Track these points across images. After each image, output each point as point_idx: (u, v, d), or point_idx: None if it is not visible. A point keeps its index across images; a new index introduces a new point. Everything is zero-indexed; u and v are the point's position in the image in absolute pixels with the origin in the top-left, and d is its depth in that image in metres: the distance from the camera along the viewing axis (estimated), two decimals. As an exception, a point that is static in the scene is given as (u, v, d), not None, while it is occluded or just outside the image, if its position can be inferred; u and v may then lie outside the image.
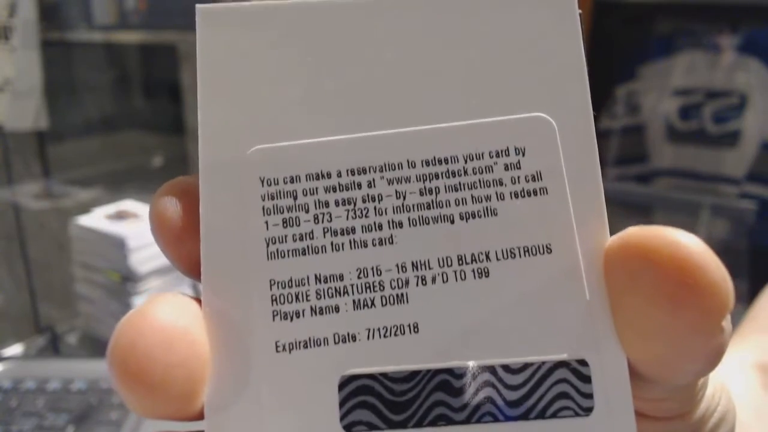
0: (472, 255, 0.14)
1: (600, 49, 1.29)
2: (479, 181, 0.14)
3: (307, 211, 0.14)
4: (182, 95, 1.33)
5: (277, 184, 0.14)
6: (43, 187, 1.24)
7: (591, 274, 0.14)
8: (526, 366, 0.14)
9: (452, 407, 0.13)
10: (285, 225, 0.14)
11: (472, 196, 0.14)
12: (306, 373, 0.14)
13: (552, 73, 0.15)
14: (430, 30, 0.15)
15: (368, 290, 0.14)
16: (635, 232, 0.13)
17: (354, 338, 0.14)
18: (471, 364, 0.14)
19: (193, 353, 0.13)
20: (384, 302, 0.14)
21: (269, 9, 0.15)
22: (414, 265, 0.14)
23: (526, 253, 0.14)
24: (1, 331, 1.17)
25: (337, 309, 0.14)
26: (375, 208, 0.14)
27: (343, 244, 0.14)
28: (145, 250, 0.84)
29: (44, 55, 0.98)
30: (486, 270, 0.14)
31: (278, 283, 0.14)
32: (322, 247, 0.14)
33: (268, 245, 0.14)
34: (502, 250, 0.14)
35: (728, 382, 0.18)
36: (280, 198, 0.14)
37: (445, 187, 0.14)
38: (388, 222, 0.14)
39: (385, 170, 0.14)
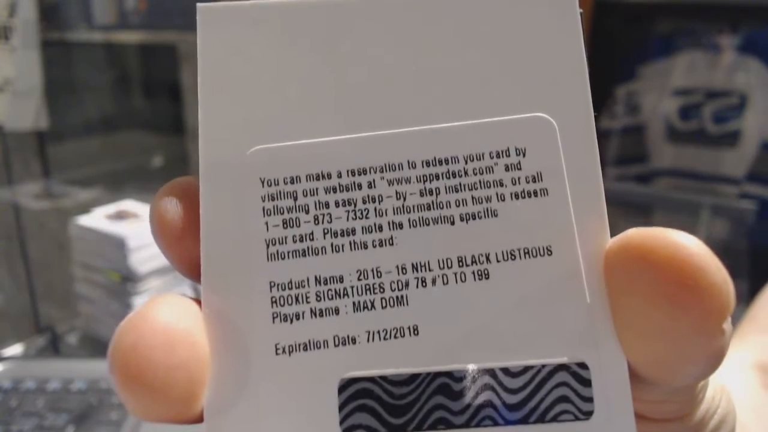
0: (473, 257, 0.14)
1: (600, 49, 1.29)
2: (480, 181, 0.14)
3: (307, 212, 0.14)
4: (182, 95, 1.33)
5: (278, 184, 0.14)
6: (43, 187, 1.24)
7: (591, 276, 0.14)
8: (526, 369, 0.13)
9: (452, 411, 0.13)
10: (285, 226, 0.14)
11: (473, 197, 0.14)
12: (306, 376, 0.13)
13: (553, 73, 0.15)
14: (430, 30, 0.15)
15: (368, 292, 0.14)
16: (635, 233, 0.13)
17: (354, 341, 0.14)
18: (471, 367, 0.13)
19: (194, 355, 0.13)
20: (384, 304, 0.14)
21: (270, 8, 0.15)
22: (414, 267, 0.14)
23: (527, 255, 0.14)
24: (1, 331, 1.17)
25: (336, 311, 0.14)
26: (375, 209, 0.14)
27: (343, 246, 0.14)
28: (145, 250, 0.84)
29: (44, 55, 0.98)
30: (486, 272, 0.14)
31: (278, 284, 0.14)
32: (322, 249, 0.14)
33: (268, 246, 0.14)
34: (503, 252, 0.14)
35: (728, 382, 0.18)
36: (280, 199, 0.14)
37: (446, 187, 0.14)
38: (389, 223, 0.14)
39: (386, 171, 0.14)
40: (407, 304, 0.14)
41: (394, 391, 0.13)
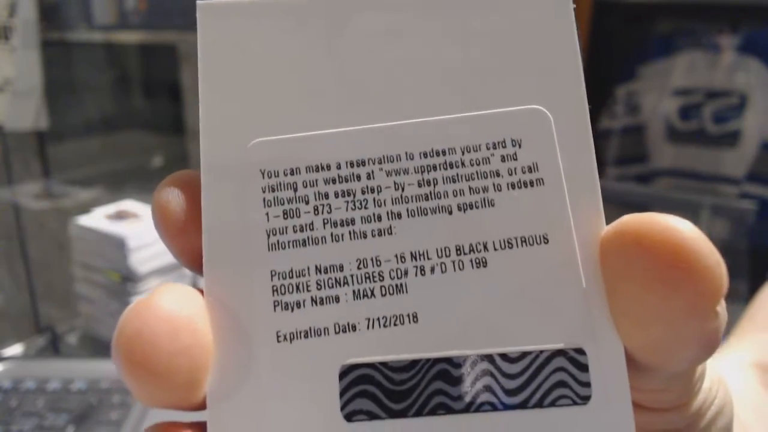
0: (470, 245, 0.14)
1: (600, 49, 1.29)
2: (476, 172, 0.14)
3: (307, 203, 0.14)
4: (182, 95, 1.33)
5: (278, 176, 0.14)
6: (43, 187, 1.24)
7: (587, 263, 0.14)
8: (524, 355, 0.14)
9: (451, 396, 0.13)
10: (285, 216, 0.14)
11: (470, 188, 0.14)
12: (307, 363, 0.14)
13: (547, 65, 0.15)
14: (427, 23, 0.15)
15: (368, 280, 0.14)
16: (630, 219, 0.13)
17: (354, 328, 0.14)
18: (469, 353, 0.14)
19: (197, 342, 0.13)
20: (383, 292, 0.14)
21: (269, 4, 0.15)
22: (413, 256, 0.14)
23: (523, 243, 0.14)
24: (1, 331, 1.17)
25: (337, 299, 0.14)
26: (374, 200, 0.14)
27: (342, 235, 0.14)
28: (145, 250, 0.84)
29: (44, 55, 0.98)
30: (484, 260, 0.14)
31: (279, 273, 0.14)
32: (322, 238, 0.14)
33: (269, 236, 0.14)
34: (500, 241, 0.14)
35: (727, 381, 0.18)
36: (281, 190, 0.14)
37: (443, 178, 0.14)
38: (387, 213, 0.14)
39: (384, 162, 0.14)
40: (406, 292, 0.14)
41: (395, 377, 0.14)
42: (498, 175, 0.14)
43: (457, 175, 0.14)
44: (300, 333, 0.14)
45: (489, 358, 0.14)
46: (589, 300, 0.14)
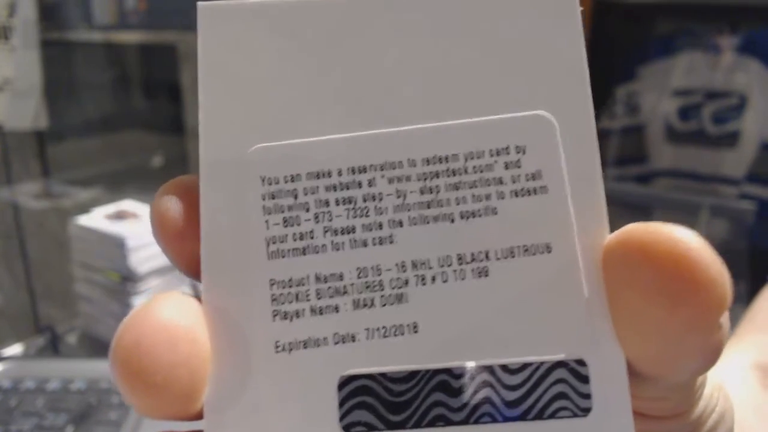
0: (472, 254, 0.14)
1: (600, 49, 1.29)
2: (479, 179, 0.14)
3: (307, 210, 0.14)
4: (182, 95, 1.33)
5: (278, 183, 0.14)
6: (42, 186, 1.24)
7: (590, 273, 0.14)
8: (524, 366, 0.14)
9: (451, 408, 0.13)
10: (285, 224, 0.14)
11: (473, 195, 0.14)
12: (305, 373, 0.13)
13: (553, 71, 0.15)
14: (431, 28, 0.15)
15: (368, 290, 0.14)
16: (634, 228, 0.13)
17: (353, 338, 0.14)
18: (470, 364, 0.13)
19: (195, 352, 0.13)
20: (383, 302, 0.14)
21: (270, 6, 0.15)
22: (414, 265, 0.14)
23: (526, 253, 0.14)
24: (1, 331, 1.17)
25: (336, 309, 0.14)
26: (375, 207, 0.14)
27: (343, 244, 0.14)
28: (144, 250, 0.84)
29: (44, 55, 0.98)
30: (485, 269, 0.14)
31: (278, 282, 0.14)
32: (322, 247, 0.14)
33: (268, 244, 0.14)
34: (502, 250, 0.14)
35: (727, 382, 0.18)
36: (281, 197, 0.14)
37: (446, 185, 0.14)
38: (389, 221, 0.14)
39: (386, 169, 0.14)
40: (407, 301, 0.14)
41: (394, 388, 0.13)
42: (501, 182, 0.14)
43: (460, 182, 0.14)
44: (299, 343, 0.14)
45: (489, 369, 0.13)
46: (591, 310, 0.14)
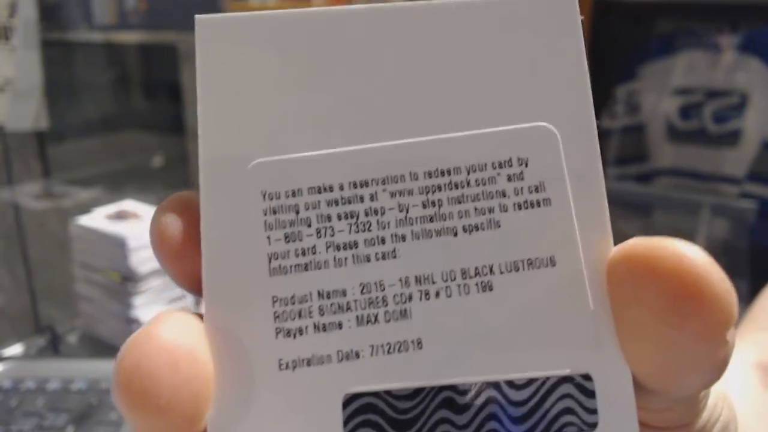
0: (476, 269, 0.14)
1: (600, 49, 1.29)
2: (482, 192, 0.14)
3: (309, 226, 0.14)
4: (182, 95, 1.33)
5: (279, 198, 0.14)
6: (43, 187, 1.24)
7: (594, 287, 0.14)
8: (530, 382, 0.13)
9: (456, 425, 0.13)
10: (287, 240, 0.14)
11: (475, 208, 0.14)
12: (309, 392, 0.13)
13: (554, 82, 0.15)
14: (431, 41, 0.15)
15: (371, 306, 0.14)
16: (638, 243, 0.13)
17: (357, 355, 0.13)
18: (475, 380, 0.13)
19: (198, 373, 0.13)
20: (387, 318, 0.14)
21: (268, 19, 0.15)
22: (417, 280, 0.14)
23: (530, 266, 0.14)
24: (1, 331, 1.17)
25: (340, 325, 0.14)
26: (378, 222, 0.14)
27: (345, 259, 0.14)
28: (145, 250, 0.84)
29: (44, 55, 0.98)
30: (489, 284, 0.14)
31: (281, 299, 0.14)
32: (324, 262, 0.14)
33: (270, 261, 0.14)
34: (506, 264, 0.14)
35: (728, 382, 0.18)
36: (282, 212, 0.14)
37: (448, 199, 0.14)
38: (391, 236, 0.14)
39: (388, 183, 0.14)
40: (411, 317, 0.14)
41: (399, 406, 0.13)
42: (504, 195, 0.14)
43: (463, 195, 0.14)
44: (302, 361, 0.13)
45: (495, 385, 0.13)
46: (596, 324, 0.14)
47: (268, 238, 0.14)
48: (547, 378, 0.13)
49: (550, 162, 0.14)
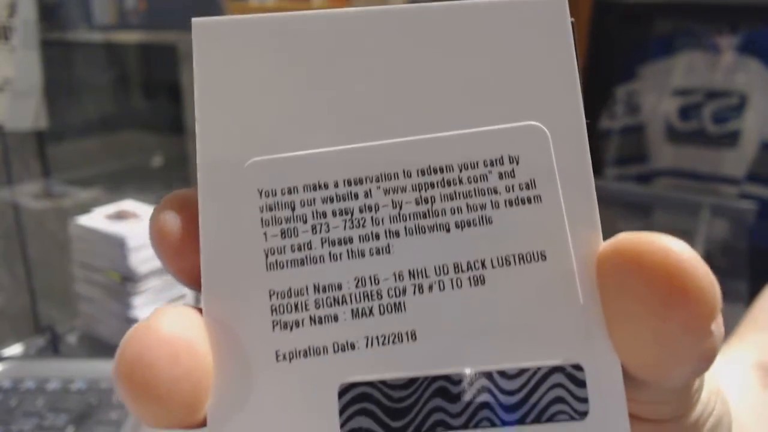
0: (468, 263, 0.14)
1: (600, 49, 1.30)
2: (474, 189, 0.14)
3: (305, 222, 0.14)
4: (182, 95, 1.33)
5: (275, 195, 0.14)
6: (42, 186, 1.24)
7: (584, 280, 0.14)
8: (522, 371, 0.14)
9: (450, 413, 0.14)
10: (283, 236, 0.14)
11: (467, 205, 0.14)
12: (306, 382, 0.14)
13: (545, 82, 0.15)
14: (423, 41, 0.15)
15: (366, 299, 0.14)
16: (626, 238, 0.14)
17: (353, 347, 0.14)
18: (468, 370, 0.14)
19: (197, 365, 0.13)
20: (382, 311, 0.14)
21: (265, 22, 0.15)
22: (411, 274, 0.14)
23: (521, 261, 0.14)
24: (0, 331, 1.17)
25: (335, 318, 0.14)
26: (372, 218, 0.14)
27: (341, 254, 0.14)
28: (145, 250, 0.84)
29: (44, 55, 0.98)
30: (482, 277, 0.14)
31: (277, 293, 0.14)
32: (320, 257, 0.14)
33: (267, 256, 0.14)
34: (498, 258, 0.14)
35: (727, 382, 0.18)
36: (279, 209, 0.14)
37: (441, 196, 0.14)
38: (385, 231, 0.14)
39: (382, 180, 0.14)
40: (405, 310, 0.14)
41: (393, 395, 0.14)
42: (496, 192, 0.14)
43: (455, 192, 0.14)
44: (299, 352, 0.14)
45: (487, 374, 0.14)
46: (586, 316, 0.14)
47: (265, 234, 0.14)
48: (539, 368, 0.14)
49: (540, 160, 0.14)
